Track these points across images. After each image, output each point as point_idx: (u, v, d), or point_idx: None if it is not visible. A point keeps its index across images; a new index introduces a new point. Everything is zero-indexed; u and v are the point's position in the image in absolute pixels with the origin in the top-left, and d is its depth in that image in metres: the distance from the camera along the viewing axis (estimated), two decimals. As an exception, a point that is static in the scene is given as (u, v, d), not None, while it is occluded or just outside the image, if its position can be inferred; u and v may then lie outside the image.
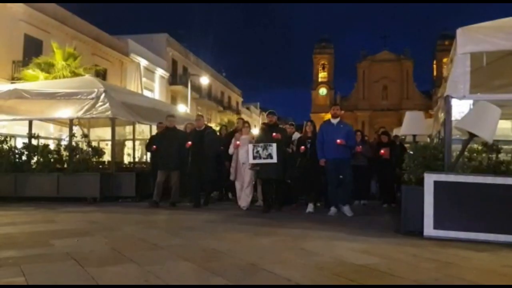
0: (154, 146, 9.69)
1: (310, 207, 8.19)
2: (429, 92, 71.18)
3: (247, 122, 9.59)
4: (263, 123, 9.34)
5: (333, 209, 7.81)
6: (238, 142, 8.68)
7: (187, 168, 9.13)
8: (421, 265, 4.20)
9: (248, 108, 58.36)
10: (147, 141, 11.21)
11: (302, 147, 8.24)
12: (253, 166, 8.43)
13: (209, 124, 12.10)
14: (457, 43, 5.74)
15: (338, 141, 7.60)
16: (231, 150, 8.95)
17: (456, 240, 5.24)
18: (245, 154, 8.49)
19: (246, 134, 9.00)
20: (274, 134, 8.13)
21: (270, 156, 7.99)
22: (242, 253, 4.51)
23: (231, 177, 9.02)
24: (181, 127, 10.55)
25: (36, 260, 4.13)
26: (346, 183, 7.90)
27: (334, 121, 7.96)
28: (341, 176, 8.00)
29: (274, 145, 8.02)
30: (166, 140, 9.27)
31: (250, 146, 8.19)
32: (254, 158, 8.12)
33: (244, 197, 8.69)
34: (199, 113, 9.86)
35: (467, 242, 5.16)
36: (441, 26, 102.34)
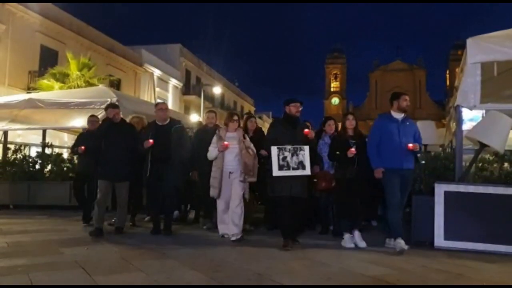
0: (82, 147, 7.24)
1: (348, 240, 5.57)
2: (442, 101, 70.73)
3: (236, 114, 6.63)
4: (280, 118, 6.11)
5: (400, 241, 5.22)
6: (226, 142, 5.99)
7: (142, 178, 6.58)
8: (431, 276, 4.16)
9: (260, 117, 58.42)
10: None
11: (352, 149, 5.54)
12: (247, 177, 6.05)
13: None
14: (467, 53, 5.71)
15: (410, 145, 5.34)
16: (213, 153, 6.13)
17: (467, 251, 5.17)
18: (235, 159, 6.05)
19: (233, 130, 6.21)
20: (306, 130, 5.71)
21: (301, 165, 5.46)
22: (250, 263, 4.50)
23: (212, 193, 6.16)
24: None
25: (45, 268, 4.17)
26: (402, 202, 5.53)
27: (399, 116, 5.58)
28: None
29: (307, 148, 5.55)
30: (111, 138, 6.41)
31: (274, 150, 5.49)
32: (280, 168, 5.44)
33: (234, 222, 5.95)
34: (161, 101, 7.00)
35: (478, 253, 5.09)
36: (455, 35, 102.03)
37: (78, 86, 16.44)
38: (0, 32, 18.61)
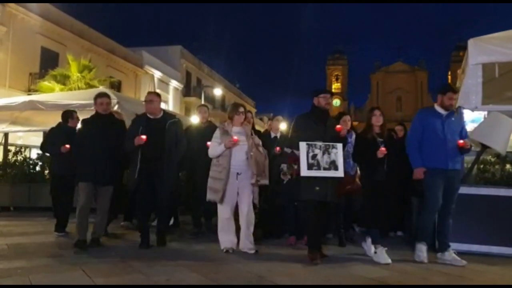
0: (67, 145, 6.26)
1: (382, 254, 4.79)
2: (444, 103, 70.76)
3: (242, 106, 5.61)
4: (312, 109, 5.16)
5: (421, 248, 4.85)
6: (235, 138, 5.14)
7: (129, 181, 5.68)
8: (432, 278, 4.14)
9: (261, 119, 58.50)
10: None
11: (383, 148, 4.90)
12: (259, 179, 5.24)
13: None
14: (469, 54, 5.71)
15: (461, 141, 4.86)
16: (218, 150, 5.22)
17: (468, 253, 5.14)
18: (244, 159, 5.19)
19: (239, 125, 5.38)
20: (338, 126, 5.02)
21: (333, 165, 4.77)
22: (251, 265, 4.48)
23: (213, 198, 5.22)
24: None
25: (45, 270, 4.15)
26: (450, 208, 4.95)
27: (443, 111, 5.00)
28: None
29: (340, 147, 4.85)
30: (97, 133, 5.45)
31: (303, 146, 4.76)
32: (310, 167, 4.72)
33: (246, 235, 5.18)
34: (152, 91, 6.13)
35: (480, 255, 5.08)
36: (457, 37, 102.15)
37: (79, 88, 16.43)
38: (1, 34, 18.65)
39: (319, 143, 4.77)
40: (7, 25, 18.92)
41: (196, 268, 4.28)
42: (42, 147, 7.16)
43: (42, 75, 18.75)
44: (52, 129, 6.98)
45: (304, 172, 4.72)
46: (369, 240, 5.06)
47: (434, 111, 5.05)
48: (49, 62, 20.13)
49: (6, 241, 5.79)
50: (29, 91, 18.48)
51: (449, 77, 74.78)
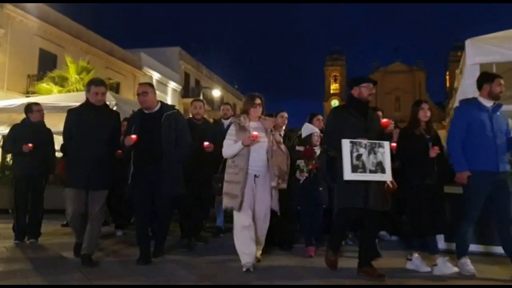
0: (30, 144, 5.72)
1: (420, 261, 4.47)
2: (443, 103, 70.84)
3: (258, 97, 4.65)
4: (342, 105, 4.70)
5: (466, 262, 4.34)
6: (255, 133, 4.37)
7: (122, 187, 4.90)
8: (432, 277, 4.15)
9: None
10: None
11: (436, 147, 4.35)
12: (280, 182, 4.55)
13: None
14: (466, 54, 5.72)
15: None
16: (235, 148, 4.46)
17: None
18: (264, 159, 4.46)
19: (256, 119, 4.62)
20: (384, 120, 4.48)
21: (380, 166, 4.11)
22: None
23: (230, 204, 4.42)
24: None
25: (44, 272, 4.15)
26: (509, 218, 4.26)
27: (489, 103, 4.33)
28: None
29: (387, 145, 4.19)
30: (88, 129, 4.63)
31: (347, 144, 4.05)
32: (354, 169, 4.04)
33: (253, 242, 4.38)
34: (143, 82, 5.39)
35: (479, 255, 5.08)
36: (454, 37, 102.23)
37: (77, 90, 16.39)
38: (-1, 36, 18.63)
39: (364, 141, 4.09)
40: (5, 27, 18.89)
41: (195, 270, 4.29)
42: (3, 147, 6.24)
43: (40, 77, 18.73)
44: (15, 125, 6.25)
45: (348, 175, 4.04)
46: (415, 255, 4.52)
47: (479, 104, 4.34)
48: (47, 64, 20.10)
49: (5, 243, 5.80)
50: (27, 93, 18.44)
51: (447, 77, 75.03)
